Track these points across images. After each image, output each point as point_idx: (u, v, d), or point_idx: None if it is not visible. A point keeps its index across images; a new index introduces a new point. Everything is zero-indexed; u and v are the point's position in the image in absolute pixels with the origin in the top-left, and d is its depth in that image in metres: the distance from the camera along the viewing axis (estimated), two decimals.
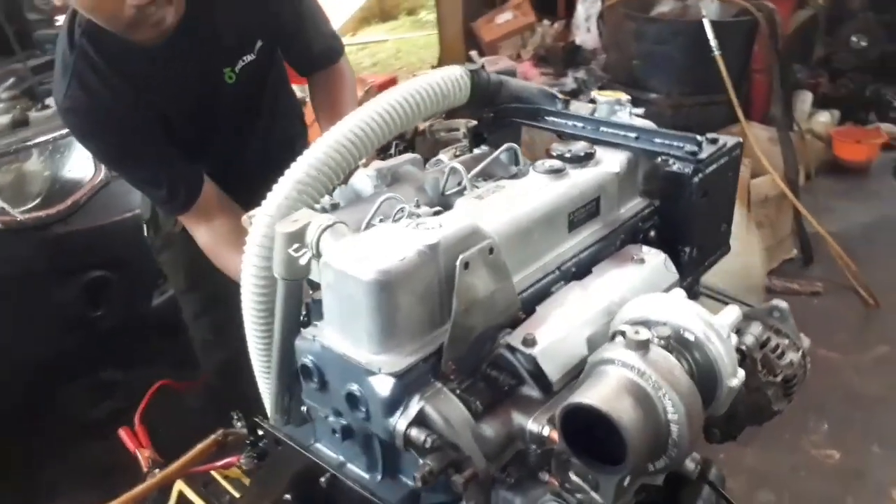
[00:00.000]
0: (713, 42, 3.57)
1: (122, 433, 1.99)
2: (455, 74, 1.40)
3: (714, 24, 3.64)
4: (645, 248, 1.31)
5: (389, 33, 10.51)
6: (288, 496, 1.19)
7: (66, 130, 2.55)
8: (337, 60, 2.09)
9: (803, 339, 1.41)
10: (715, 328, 0.98)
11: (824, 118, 5.99)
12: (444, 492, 1.08)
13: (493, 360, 1.06)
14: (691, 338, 0.98)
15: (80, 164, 2.53)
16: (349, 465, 1.15)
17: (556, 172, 1.27)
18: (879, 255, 4.07)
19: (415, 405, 0.96)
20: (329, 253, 1.00)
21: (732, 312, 1.04)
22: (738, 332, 1.37)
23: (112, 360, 2.81)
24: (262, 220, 1.20)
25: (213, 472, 1.73)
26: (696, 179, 1.30)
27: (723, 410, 1.03)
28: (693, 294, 1.56)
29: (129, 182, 1.88)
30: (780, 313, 1.39)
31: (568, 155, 1.32)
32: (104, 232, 2.48)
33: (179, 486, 1.78)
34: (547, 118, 1.53)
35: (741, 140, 1.42)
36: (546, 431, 0.98)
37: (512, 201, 1.21)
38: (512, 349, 1.05)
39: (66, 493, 2.68)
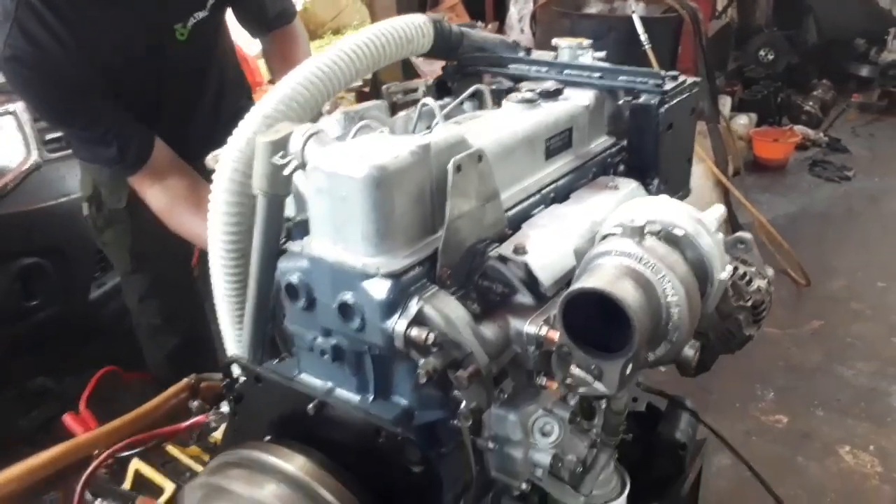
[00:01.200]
0: (643, 37, 3.71)
1: (67, 418, 1.87)
2: (418, 21, 1.41)
3: (643, 19, 3.79)
4: (618, 178, 1.34)
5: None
6: (268, 437, 1.14)
7: None
8: (292, 21, 2.06)
9: (767, 269, 1.46)
10: (703, 223, 1.01)
11: (743, 120, 6.33)
12: (439, 407, 1.06)
13: (484, 272, 1.06)
14: (680, 233, 1.00)
15: (10, 146, 2.39)
16: (338, 391, 1.11)
17: (530, 102, 1.29)
18: (804, 241, 4.29)
19: (414, 306, 0.94)
20: (317, 158, 0.98)
21: (718, 210, 1.07)
22: None
23: (45, 364, 2.65)
24: (231, 154, 1.17)
25: (172, 450, 1.64)
26: (662, 110, 1.34)
27: (712, 307, 1.05)
28: None
29: (75, 142, 1.79)
30: (745, 244, 1.44)
31: (538, 91, 1.34)
32: (38, 217, 2.34)
33: (136, 464, 1.69)
34: (511, 66, 1.55)
35: (698, 79, 1.48)
36: (544, 332, 0.98)
37: (490, 126, 1.21)
38: (503, 259, 1.05)
39: None
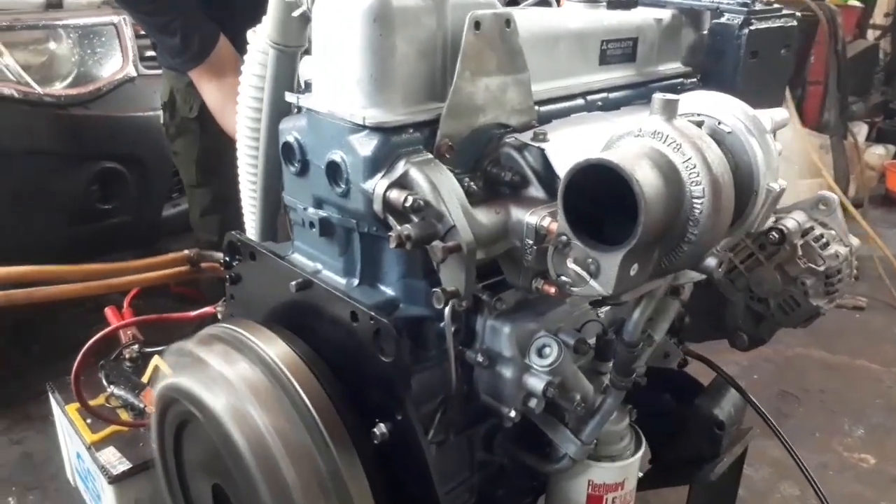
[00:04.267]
0: None
1: (108, 311, 1.89)
2: None
3: None
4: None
5: None
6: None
7: (99, 19, 2.52)
8: None
9: (852, 239, 1.25)
10: (755, 119, 0.84)
11: (879, 151, 5.79)
12: (424, 304, 0.95)
13: (496, 158, 0.94)
14: (727, 129, 0.85)
15: (110, 55, 2.48)
16: (324, 272, 1.02)
17: (593, 2, 1.16)
18: None
19: (400, 167, 0.84)
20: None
21: (779, 112, 0.90)
22: (777, 217, 1.23)
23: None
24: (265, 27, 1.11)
25: None
26: (745, 31, 1.17)
27: (758, 225, 0.88)
28: None
29: (144, 28, 1.79)
30: (828, 205, 1.25)
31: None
32: (125, 125, 2.40)
33: (156, 361, 1.68)
34: None
35: (797, 13, 1.29)
36: (546, 223, 0.85)
37: (542, 13, 1.09)
38: (520, 147, 0.93)
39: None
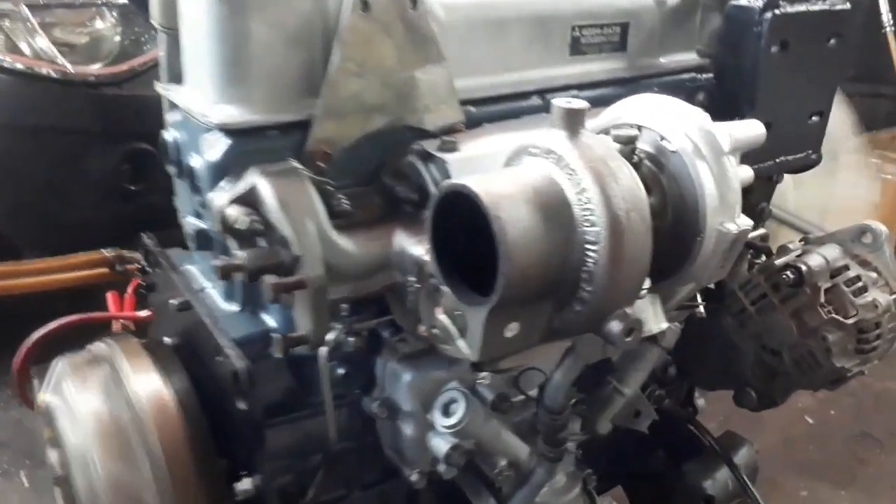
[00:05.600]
0: (887, 16, 2.98)
1: (109, 296, 1.84)
2: None
3: None
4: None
5: None
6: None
7: None
8: None
9: None
10: (709, 136, 0.62)
11: None
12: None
13: (396, 168, 0.76)
14: (670, 147, 0.63)
15: (149, 34, 2.46)
16: (208, 291, 0.88)
17: None
18: None
19: (249, 178, 0.68)
20: None
21: (748, 128, 0.67)
22: (804, 251, 0.98)
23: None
24: None
25: None
26: (767, 15, 0.92)
27: (706, 280, 0.66)
28: (758, 212, 1.17)
29: None
30: (873, 238, 0.98)
31: None
32: (156, 105, 2.37)
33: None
34: None
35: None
36: (428, 257, 0.66)
37: None
38: (425, 156, 0.74)
39: None
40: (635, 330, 0.57)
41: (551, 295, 0.57)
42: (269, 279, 0.64)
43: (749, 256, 1.04)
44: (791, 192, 1.90)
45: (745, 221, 0.62)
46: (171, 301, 0.85)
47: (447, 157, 0.71)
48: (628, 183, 0.55)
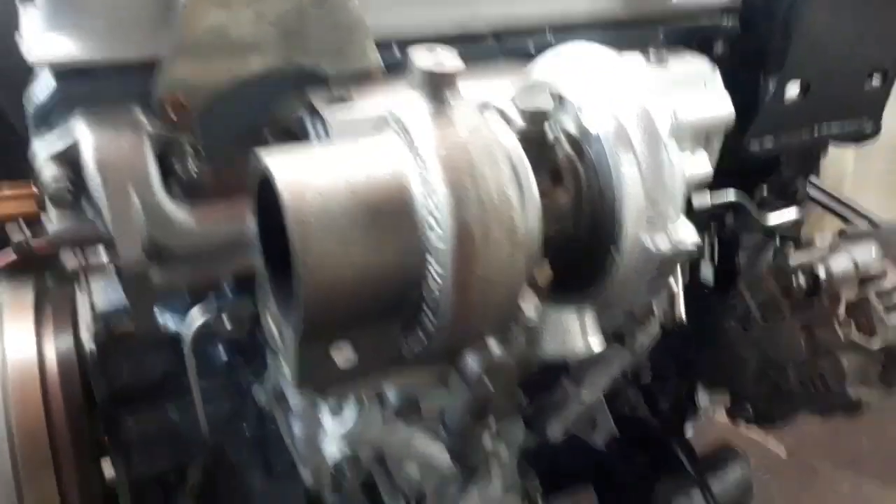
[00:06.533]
0: None
1: None
2: None
3: None
4: (685, 55, 0.75)
5: None
6: None
7: None
8: None
9: None
10: (644, 116, 0.45)
11: None
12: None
13: (282, 122, 0.61)
14: (592, 131, 0.46)
15: None
16: None
17: None
18: None
19: (72, 129, 0.55)
20: None
21: (715, 106, 0.49)
22: (832, 249, 0.79)
23: None
24: None
25: None
26: None
27: (630, 306, 0.49)
28: (791, 192, 0.96)
29: None
30: None
31: None
32: None
33: None
34: None
35: None
36: None
37: None
38: (312, 111, 0.59)
39: None
40: (501, 369, 0.42)
41: (394, 316, 0.43)
42: (70, 258, 0.51)
43: (773, 248, 0.86)
44: (850, 170, 1.61)
45: (686, 235, 0.45)
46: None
47: (328, 114, 0.56)
48: (494, 183, 0.39)
